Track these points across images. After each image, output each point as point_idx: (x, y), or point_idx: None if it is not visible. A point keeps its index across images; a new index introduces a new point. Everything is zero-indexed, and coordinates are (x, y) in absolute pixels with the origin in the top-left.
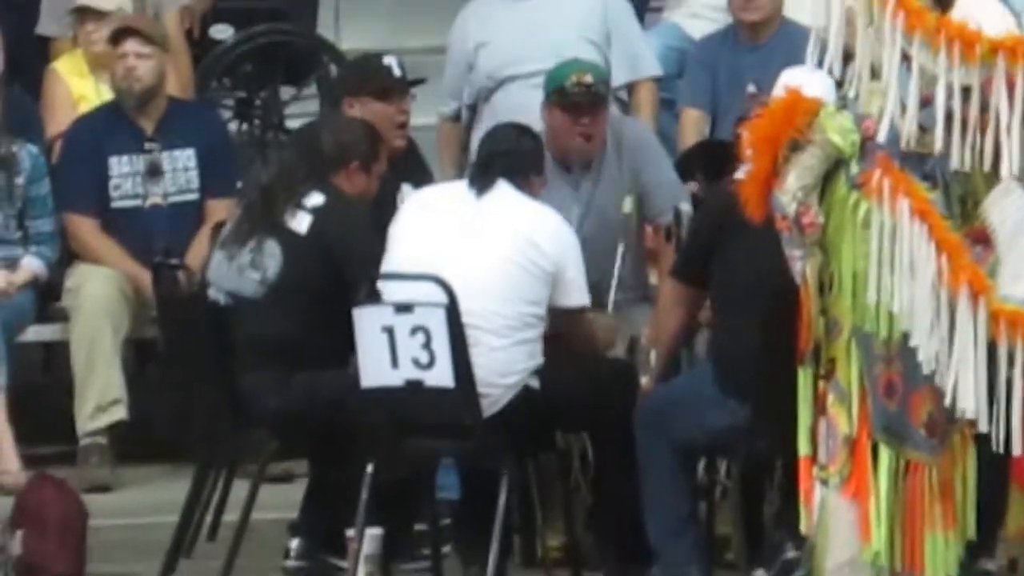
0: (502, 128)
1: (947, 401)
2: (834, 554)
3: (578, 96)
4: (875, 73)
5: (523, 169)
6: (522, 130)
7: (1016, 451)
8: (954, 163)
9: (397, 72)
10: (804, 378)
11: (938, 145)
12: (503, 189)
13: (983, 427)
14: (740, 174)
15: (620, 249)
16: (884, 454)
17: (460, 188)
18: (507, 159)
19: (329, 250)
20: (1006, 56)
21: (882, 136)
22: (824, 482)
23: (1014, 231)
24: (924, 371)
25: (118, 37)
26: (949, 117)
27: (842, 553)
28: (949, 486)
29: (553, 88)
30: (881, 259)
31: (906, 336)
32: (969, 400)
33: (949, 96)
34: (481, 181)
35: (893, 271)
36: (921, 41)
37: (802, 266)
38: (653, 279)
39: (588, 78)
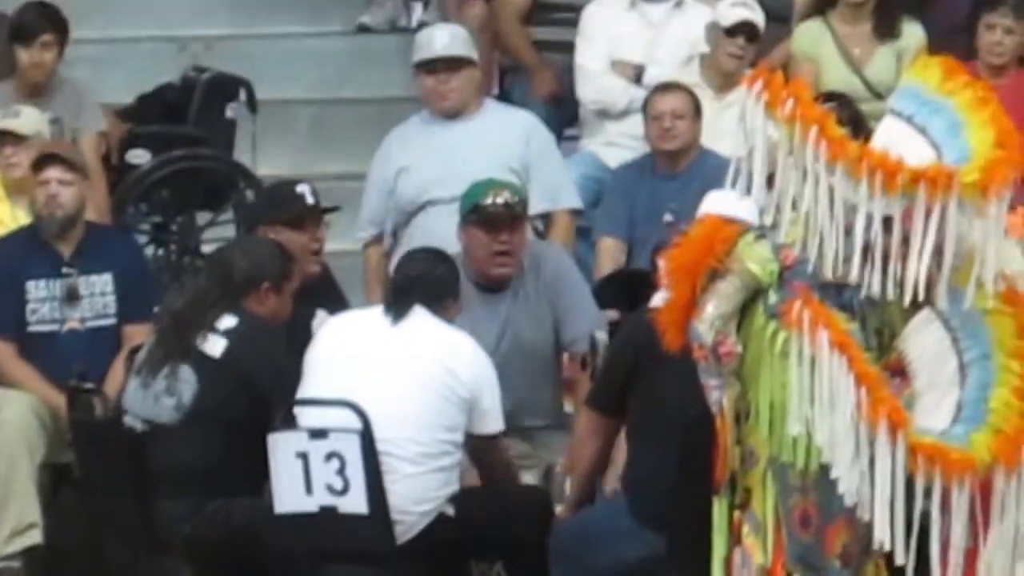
0: (417, 253)
1: (876, 535)
2: None
3: (496, 212)
4: (794, 203)
5: (439, 294)
6: (437, 255)
7: None
8: (873, 292)
9: (310, 200)
10: (720, 508)
11: (855, 274)
12: (419, 315)
13: (900, 560)
14: (658, 302)
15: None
16: None
17: (376, 314)
18: (423, 284)
19: (243, 373)
20: (927, 186)
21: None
22: None
23: (931, 363)
24: (846, 503)
25: (40, 163)
26: (867, 247)
27: None
28: None
29: (470, 206)
30: (801, 390)
31: (822, 467)
32: (887, 533)
33: (868, 226)
34: (397, 307)
35: (813, 403)
36: (843, 171)
37: (718, 396)
38: (569, 407)
39: (506, 194)
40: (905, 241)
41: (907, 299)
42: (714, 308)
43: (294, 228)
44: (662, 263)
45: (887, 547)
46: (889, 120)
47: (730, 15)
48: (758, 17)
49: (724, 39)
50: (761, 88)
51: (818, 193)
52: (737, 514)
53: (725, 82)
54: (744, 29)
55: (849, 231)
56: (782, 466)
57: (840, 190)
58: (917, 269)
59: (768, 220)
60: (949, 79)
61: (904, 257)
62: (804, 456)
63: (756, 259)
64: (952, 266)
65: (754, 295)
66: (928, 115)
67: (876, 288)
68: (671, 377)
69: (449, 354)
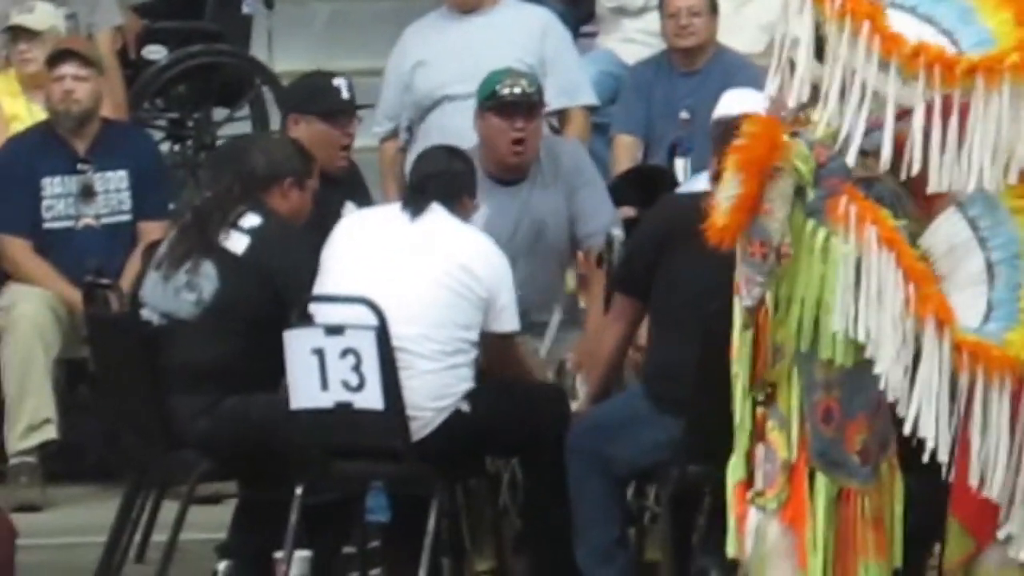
0: (433, 151)
1: (907, 429)
2: None
3: (512, 99)
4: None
5: (456, 192)
6: (454, 152)
7: (973, 482)
8: (931, 186)
9: (346, 95)
10: (745, 403)
11: (916, 167)
12: (437, 213)
13: (943, 457)
14: (700, 187)
15: (556, 315)
16: (821, 481)
17: (394, 211)
18: (440, 182)
19: (267, 271)
20: (984, 76)
21: (851, 159)
22: (761, 508)
23: (959, 261)
24: (889, 399)
25: (55, 59)
26: (926, 137)
27: None
28: (880, 515)
29: (487, 94)
30: (847, 286)
31: (849, 363)
32: (931, 429)
33: (929, 116)
34: (415, 205)
35: (858, 299)
36: (897, 66)
37: (761, 292)
38: (582, 303)
39: (523, 82)
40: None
41: (971, 185)
42: (781, 207)
43: (326, 120)
44: (732, 157)
45: (930, 443)
46: (890, 13)
47: None
48: None
49: None
50: None
51: (866, 86)
52: (760, 410)
53: None
54: None
55: (878, 126)
56: (808, 361)
57: (892, 85)
58: (981, 157)
59: (815, 116)
60: None
61: (943, 147)
62: (831, 350)
63: (800, 156)
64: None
65: (795, 192)
66: (932, 4)
67: (935, 181)
68: (695, 265)
69: (466, 252)
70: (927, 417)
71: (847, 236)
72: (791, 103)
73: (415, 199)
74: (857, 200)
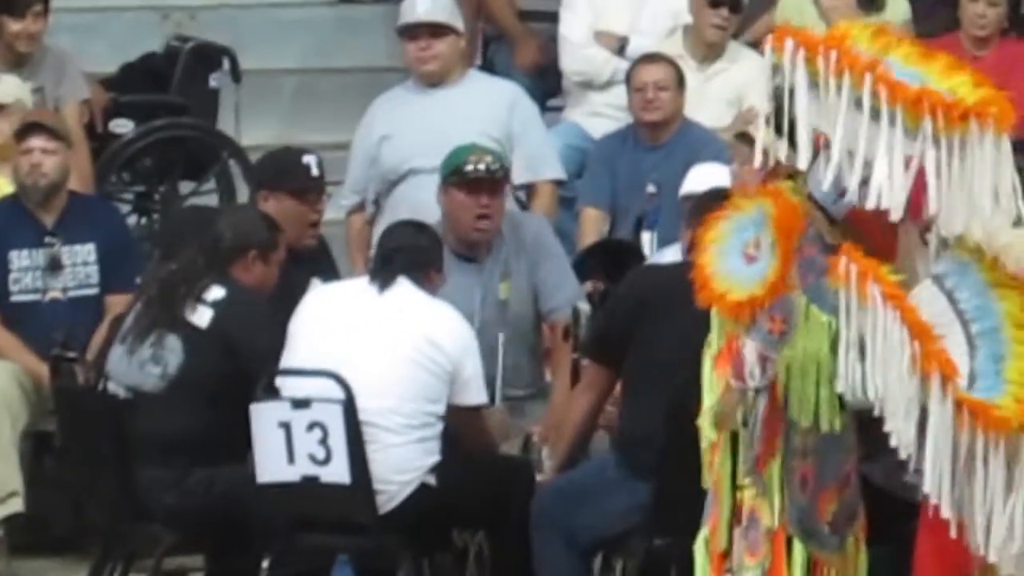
0: (400, 226)
1: (926, 487)
2: None
3: (477, 175)
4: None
5: (423, 265)
6: (420, 227)
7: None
8: (947, 228)
9: (315, 172)
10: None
11: (934, 208)
12: (403, 286)
13: (947, 514)
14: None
15: (500, 338)
16: (798, 549)
17: (361, 284)
18: (407, 255)
19: (231, 344)
20: (977, 121)
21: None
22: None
23: (940, 331)
24: (900, 456)
25: (23, 132)
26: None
27: None
28: None
29: (451, 169)
30: (848, 346)
31: (822, 432)
32: (937, 486)
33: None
34: (382, 277)
35: (864, 358)
36: (903, 112)
37: (773, 370)
38: (548, 376)
39: (488, 159)
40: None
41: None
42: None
43: (296, 197)
44: (776, 228)
45: (935, 500)
46: None
47: None
48: None
49: (707, 10)
50: (796, 44)
51: (878, 137)
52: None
53: (708, 52)
54: (727, 0)
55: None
56: (790, 427)
57: (897, 134)
58: (982, 198)
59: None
60: (878, 37)
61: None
62: (812, 416)
63: None
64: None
65: None
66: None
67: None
68: (670, 335)
69: (432, 326)
70: (934, 473)
71: (848, 295)
72: (800, 163)
73: (383, 272)
74: (857, 258)
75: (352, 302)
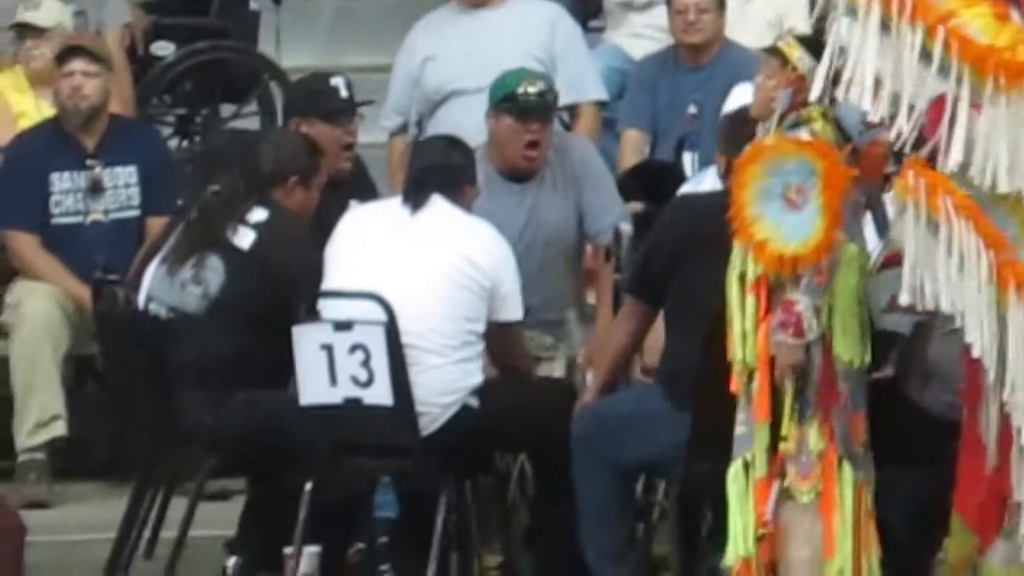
0: (431, 142)
1: (1006, 395)
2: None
3: (528, 102)
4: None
5: (456, 181)
6: (452, 142)
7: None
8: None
9: (344, 94)
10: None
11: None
12: (437, 204)
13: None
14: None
15: (571, 315)
16: (847, 471)
17: (394, 205)
18: (439, 172)
19: (272, 266)
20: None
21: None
22: (792, 499)
23: None
24: (986, 365)
25: (64, 56)
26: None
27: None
28: (871, 509)
29: (503, 95)
30: (916, 259)
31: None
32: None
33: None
34: (415, 197)
35: (936, 270)
36: (971, 69)
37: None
38: (591, 299)
39: (540, 85)
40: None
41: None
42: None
43: (328, 121)
44: (825, 187)
45: (1016, 409)
46: None
47: None
48: None
49: None
50: None
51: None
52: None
53: None
54: None
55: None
56: (835, 361)
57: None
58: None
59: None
60: None
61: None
62: (854, 351)
63: None
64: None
65: None
66: None
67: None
68: (712, 269)
69: (468, 243)
70: (1020, 380)
71: (918, 208)
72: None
73: (415, 192)
74: (926, 172)
75: (387, 223)
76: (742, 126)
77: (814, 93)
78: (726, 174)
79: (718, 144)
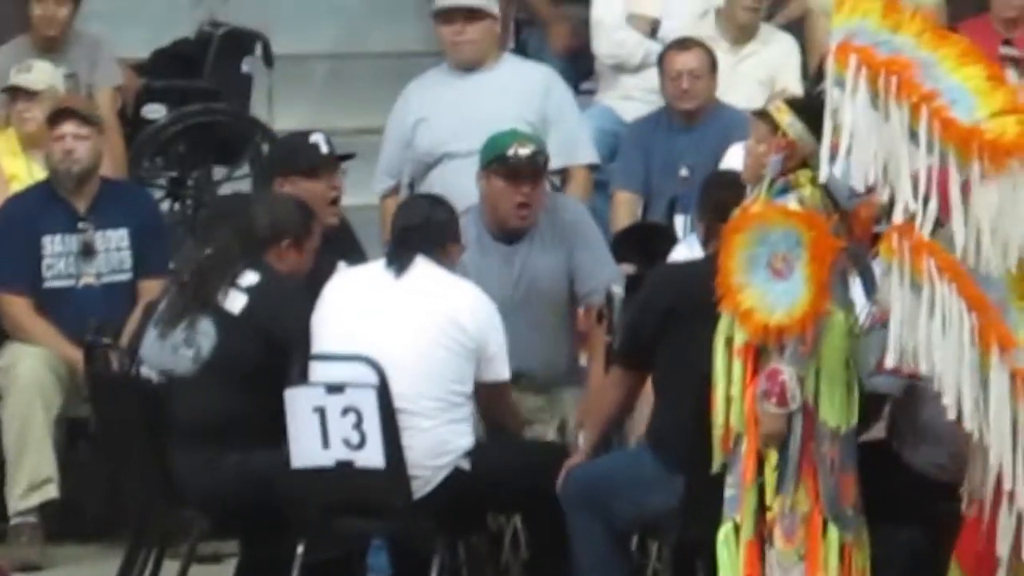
0: (414, 201)
1: (991, 461)
2: None
3: (519, 163)
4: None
5: (439, 239)
6: (434, 200)
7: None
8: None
9: (324, 149)
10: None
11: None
12: (421, 266)
13: (1009, 484)
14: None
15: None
16: (833, 532)
17: (379, 268)
18: (422, 233)
19: (264, 329)
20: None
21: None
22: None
23: None
24: (968, 428)
25: (55, 118)
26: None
27: None
28: (862, 570)
29: (494, 156)
30: (902, 321)
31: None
32: (1006, 457)
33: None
34: (399, 260)
35: (917, 331)
36: (955, 149)
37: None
38: (583, 361)
39: (531, 147)
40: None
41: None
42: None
43: (310, 177)
44: (811, 257)
45: (1006, 470)
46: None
47: None
48: None
49: None
50: (860, 62)
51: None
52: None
53: (740, 35)
54: None
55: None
56: (821, 425)
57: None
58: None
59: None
60: (889, 13)
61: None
62: (839, 415)
63: None
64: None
65: None
66: (894, 53)
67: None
68: (701, 335)
69: (453, 305)
70: (999, 444)
71: (902, 269)
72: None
73: (398, 254)
74: (909, 234)
75: (373, 287)
76: (717, 192)
77: (822, 175)
78: (706, 240)
79: (696, 210)
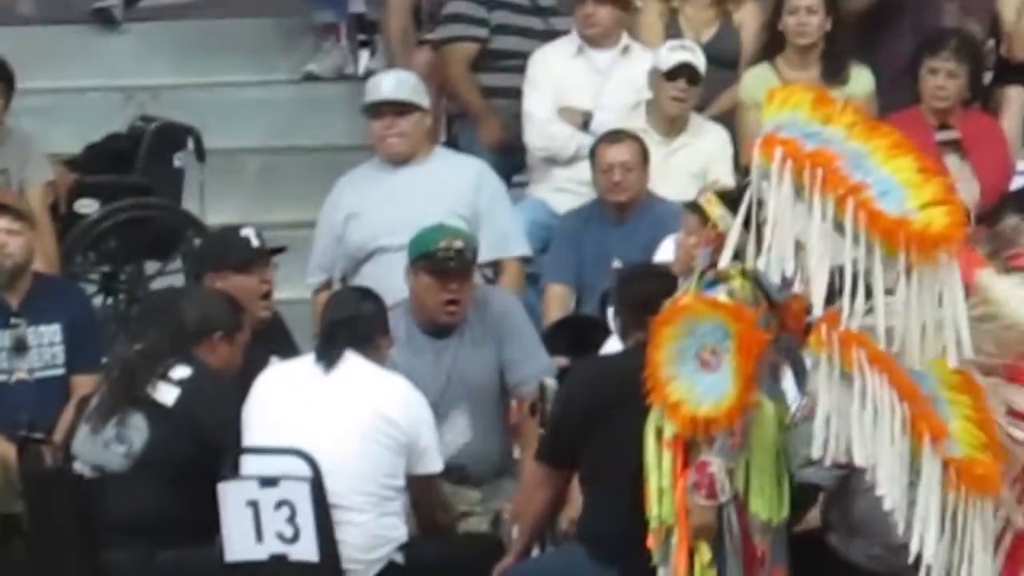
0: (342, 295)
1: (913, 548)
2: None
3: (447, 261)
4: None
5: (368, 334)
6: (363, 294)
7: None
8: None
9: (255, 243)
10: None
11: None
12: (350, 361)
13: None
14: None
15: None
16: None
17: (309, 362)
18: (350, 327)
19: (196, 422)
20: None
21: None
22: None
23: None
24: (896, 518)
25: None
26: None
27: None
28: None
29: (420, 252)
30: (829, 414)
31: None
32: (931, 547)
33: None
34: (328, 355)
35: (850, 422)
36: (881, 242)
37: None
38: (516, 453)
39: (457, 243)
40: None
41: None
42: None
43: (241, 272)
44: (738, 351)
45: (929, 560)
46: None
47: (669, 59)
48: (697, 59)
49: (665, 83)
50: (784, 155)
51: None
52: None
53: (671, 127)
54: (684, 72)
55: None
56: (753, 517)
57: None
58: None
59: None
60: (820, 105)
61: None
62: (769, 508)
63: None
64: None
65: None
66: (823, 144)
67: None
68: (628, 429)
69: (383, 401)
70: (928, 534)
71: (832, 361)
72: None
73: (327, 349)
74: (836, 326)
75: (303, 381)
76: (635, 285)
77: (724, 258)
78: (624, 333)
79: (614, 304)
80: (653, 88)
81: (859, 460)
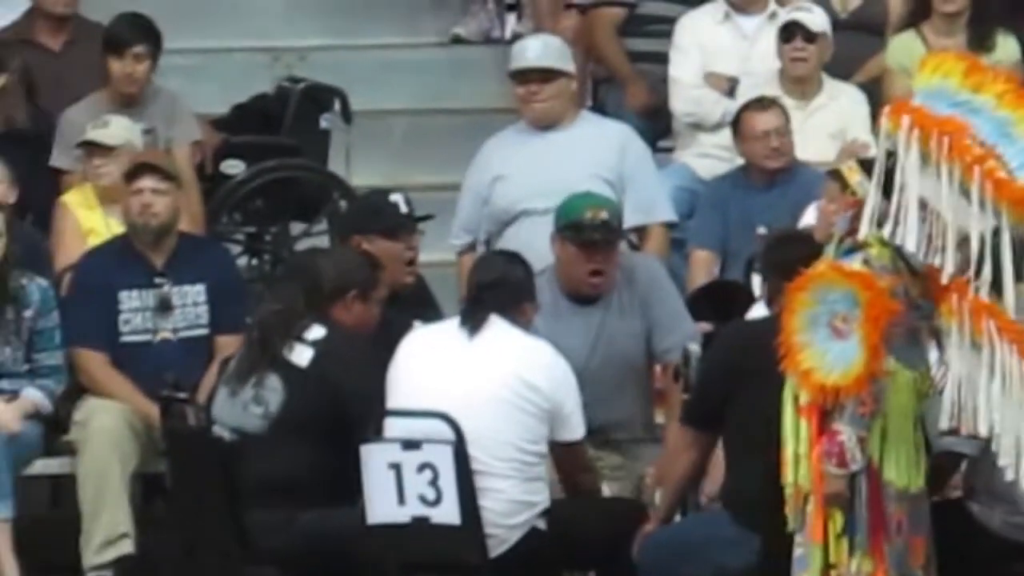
0: (489, 258)
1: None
2: None
3: (593, 233)
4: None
5: (514, 299)
6: (511, 257)
7: None
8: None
9: (404, 209)
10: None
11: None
12: (495, 326)
13: None
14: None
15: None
16: None
17: (453, 328)
18: (497, 292)
19: (330, 383)
20: None
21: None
22: None
23: None
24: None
25: (133, 173)
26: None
27: None
28: None
29: (567, 222)
30: (960, 383)
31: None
32: None
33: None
34: (473, 320)
35: (977, 392)
36: (1008, 208)
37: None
38: (660, 418)
39: (603, 214)
40: None
41: None
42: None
43: (388, 237)
44: (865, 319)
45: None
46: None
47: (783, 20)
48: (810, 18)
49: (783, 45)
50: (912, 124)
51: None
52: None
53: (805, 89)
54: (797, 30)
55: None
56: (886, 485)
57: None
58: None
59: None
60: (972, 74)
61: None
62: (906, 476)
63: None
64: None
65: None
66: (967, 115)
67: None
68: (768, 393)
69: (527, 367)
70: None
71: (962, 330)
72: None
73: (472, 314)
74: (967, 296)
75: (447, 346)
76: (780, 251)
77: (863, 225)
78: (770, 299)
79: (760, 270)
80: (777, 54)
81: (983, 430)
